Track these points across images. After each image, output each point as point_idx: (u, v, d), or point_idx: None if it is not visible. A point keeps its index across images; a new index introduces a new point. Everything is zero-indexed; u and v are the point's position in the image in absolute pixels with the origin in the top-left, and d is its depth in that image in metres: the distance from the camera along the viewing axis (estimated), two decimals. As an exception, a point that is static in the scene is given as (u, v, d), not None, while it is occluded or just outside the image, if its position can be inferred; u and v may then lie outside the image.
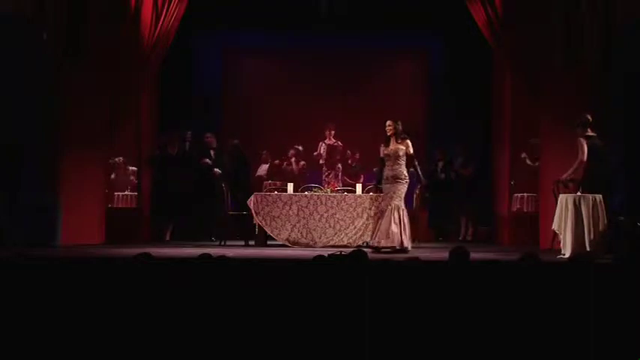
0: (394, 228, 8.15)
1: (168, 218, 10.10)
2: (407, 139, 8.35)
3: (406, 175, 8.30)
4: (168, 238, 10.01)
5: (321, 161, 10.96)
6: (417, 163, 8.46)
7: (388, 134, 8.37)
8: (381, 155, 8.51)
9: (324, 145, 10.92)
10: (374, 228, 8.43)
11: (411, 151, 8.32)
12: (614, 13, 8.69)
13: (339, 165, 10.96)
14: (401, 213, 8.22)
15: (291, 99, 11.66)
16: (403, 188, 8.32)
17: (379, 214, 8.39)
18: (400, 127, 8.35)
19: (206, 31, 11.67)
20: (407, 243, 8.23)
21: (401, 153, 8.28)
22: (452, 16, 10.31)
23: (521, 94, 9.68)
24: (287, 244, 8.94)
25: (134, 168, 10.40)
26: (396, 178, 8.27)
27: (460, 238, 10.50)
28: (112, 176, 10.39)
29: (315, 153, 10.98)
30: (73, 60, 9.00)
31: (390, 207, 8.23)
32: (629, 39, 8.51)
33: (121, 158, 10.45)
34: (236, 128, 11.60)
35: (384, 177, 8.41)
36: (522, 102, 9.74)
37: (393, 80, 12.12)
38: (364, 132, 11.34)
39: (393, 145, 8.34)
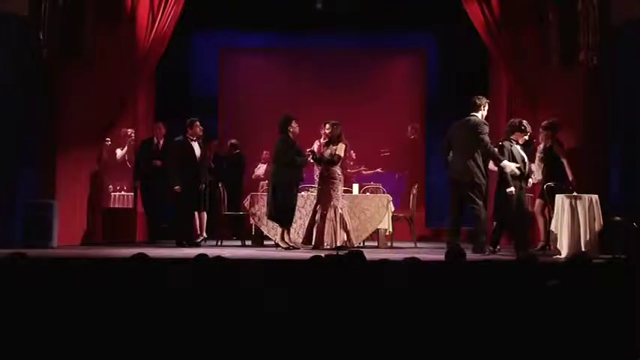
0: (332, 227, 8.34)
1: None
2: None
3: (339, 174, 8.60)
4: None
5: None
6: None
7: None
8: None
9: (318, 142, 10.86)
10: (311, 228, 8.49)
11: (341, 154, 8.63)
12: (612, 12, 8.68)
13: None
14: (340, 212, 8.42)
15: (289, 99, 11.63)
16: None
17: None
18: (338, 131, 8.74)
19: (203, 32, 11.66)
20: (340, 241, 8.32)
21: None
22: (449, 16, 10.30)
23: (518, 94, 9.68)
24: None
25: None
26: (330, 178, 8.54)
27: (497, 248, 8.23)
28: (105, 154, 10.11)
29: (307, 149, 10.97)
30: (70, 61, 8.99)
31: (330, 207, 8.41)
32: (628, 39, 8.49)
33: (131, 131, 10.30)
34: (233, 128, 11.60)
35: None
36: (519, 102, 9.74)
37: (391, 80, 12.12)
38: (361, 131, 11.35)
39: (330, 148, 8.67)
